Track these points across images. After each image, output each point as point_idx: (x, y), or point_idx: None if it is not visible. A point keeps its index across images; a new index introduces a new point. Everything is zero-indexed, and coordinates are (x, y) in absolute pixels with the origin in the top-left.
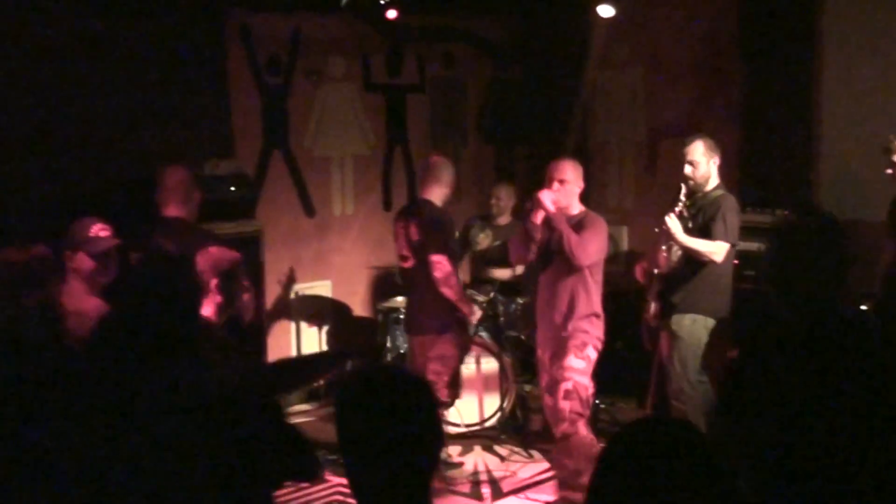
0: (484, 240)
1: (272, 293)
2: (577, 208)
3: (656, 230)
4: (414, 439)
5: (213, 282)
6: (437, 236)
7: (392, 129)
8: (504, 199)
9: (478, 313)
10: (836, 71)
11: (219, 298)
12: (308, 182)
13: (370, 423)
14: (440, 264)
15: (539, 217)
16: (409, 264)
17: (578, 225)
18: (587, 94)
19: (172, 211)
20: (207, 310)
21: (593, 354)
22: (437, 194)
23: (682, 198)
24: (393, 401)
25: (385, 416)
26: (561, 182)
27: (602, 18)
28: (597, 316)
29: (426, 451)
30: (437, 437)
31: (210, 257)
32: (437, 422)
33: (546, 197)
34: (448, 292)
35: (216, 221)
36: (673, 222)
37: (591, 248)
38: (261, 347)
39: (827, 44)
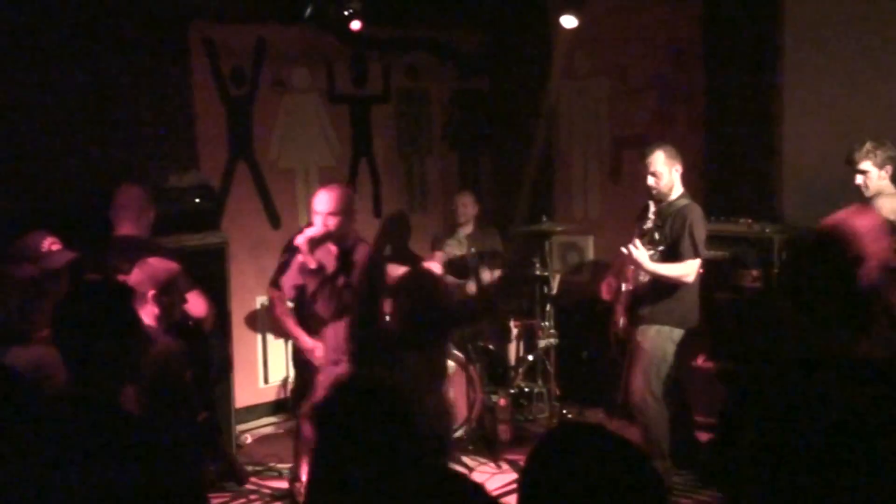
0: (458, 247)
1: (238, 305)
2: (350, 238)
3: (623, 250)
4: (392, 447)
5: (151, 293)
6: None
7: (357, 140)
8: (470, 207)
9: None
10: (797, 81)
11: (156, 310)
12: (273, 193)
13: (349, 434)
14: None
15: (310, 262)
16: None
17: (350, 254)
18: (551, 105)
19: (125, 229)
20: (146, 320)
21: None
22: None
23: (651, 215)
24: (369, 410)
25: (363, 426)
26: (332, 214)
27: (566, 29)
28: None
29: (405, 459)
30: (415, 443)
31: (147, 268)
32: (413, 429)
33: (304, 243)
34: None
35: (181, 233)
36: (639, 252)
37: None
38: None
39: (788, 55)
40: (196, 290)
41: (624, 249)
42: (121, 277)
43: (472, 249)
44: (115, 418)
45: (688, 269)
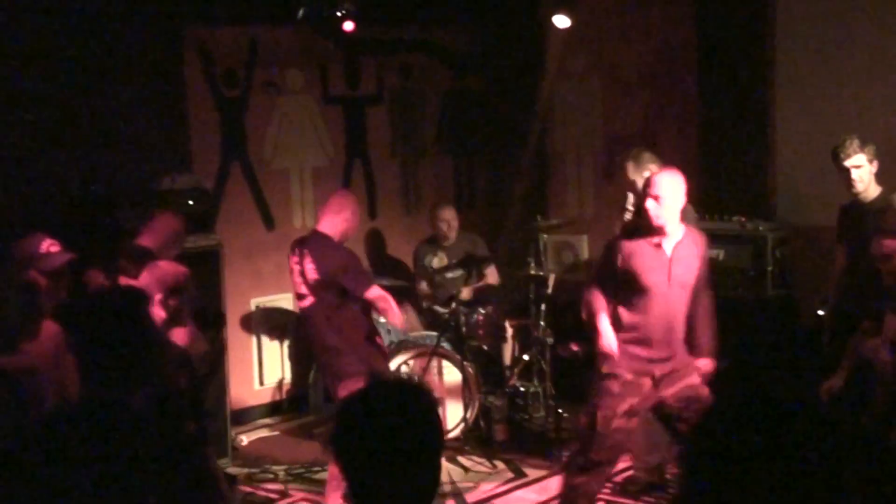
0: (439, 262)
1: (233, 307)
2: None
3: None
4: (417, 448)
5: (158, 297)
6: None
7: (351, 141)
8: (452, 220)
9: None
10: (789, 79)
11: (163, 313)
12: (267, 195)
13: (372, 434)
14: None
15: None
16: (306, 303)
17: None
18: (545, 104)
19: (146, 241)
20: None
21: None
22: (333, 227)
23: (630, 206)
24: (395, 410)
25: (388, 426)
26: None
27: (559, 29)
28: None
29: (429, 459)
30: (439, 444)
31: (156, 271)
32: (439, 429)
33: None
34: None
35: None
36: None
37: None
38: (221, 362)
39: (780, 52)
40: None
41: None
42: (124, 279)
43: (454, 260)
44: (124, 423)
45: None
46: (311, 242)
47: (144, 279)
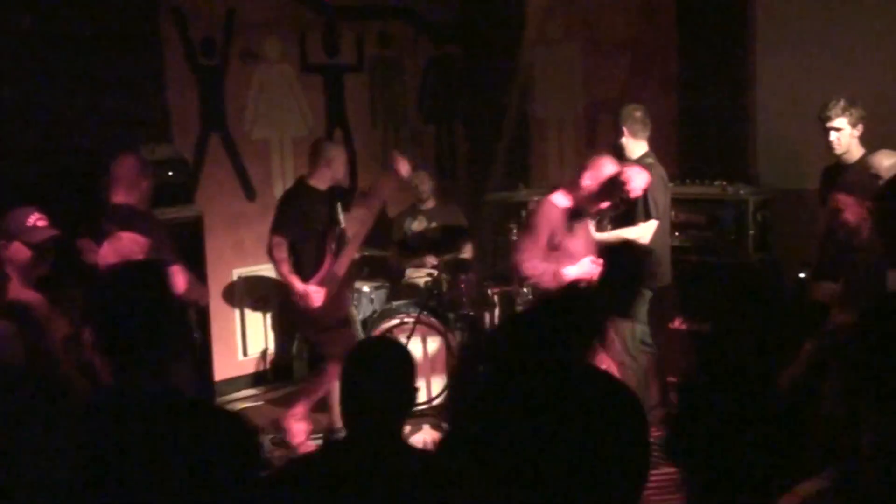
0: (419, 225)
1: (214, 278)
2: None
3: None
4: None
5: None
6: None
7: (331, 110)
8: (426, 184)
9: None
10: (770, 41)
11: None
12: (248, 165)
13: None
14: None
15: None
16: None
17: None
18: (525, 71)
19: (120, 198)
20: None
21: None
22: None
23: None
24: None
25: None
26: None
27: None
28: None
29: None
30: None
31: (116, 243)
32: None
33: None
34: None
35: (155, 207)
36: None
37: None
38: (205, 333)
39: (761, 13)
40: (176, 266)
41: None
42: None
43: (433, 224)
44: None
45: (640, 231)
46: None
47: (104, 250)
